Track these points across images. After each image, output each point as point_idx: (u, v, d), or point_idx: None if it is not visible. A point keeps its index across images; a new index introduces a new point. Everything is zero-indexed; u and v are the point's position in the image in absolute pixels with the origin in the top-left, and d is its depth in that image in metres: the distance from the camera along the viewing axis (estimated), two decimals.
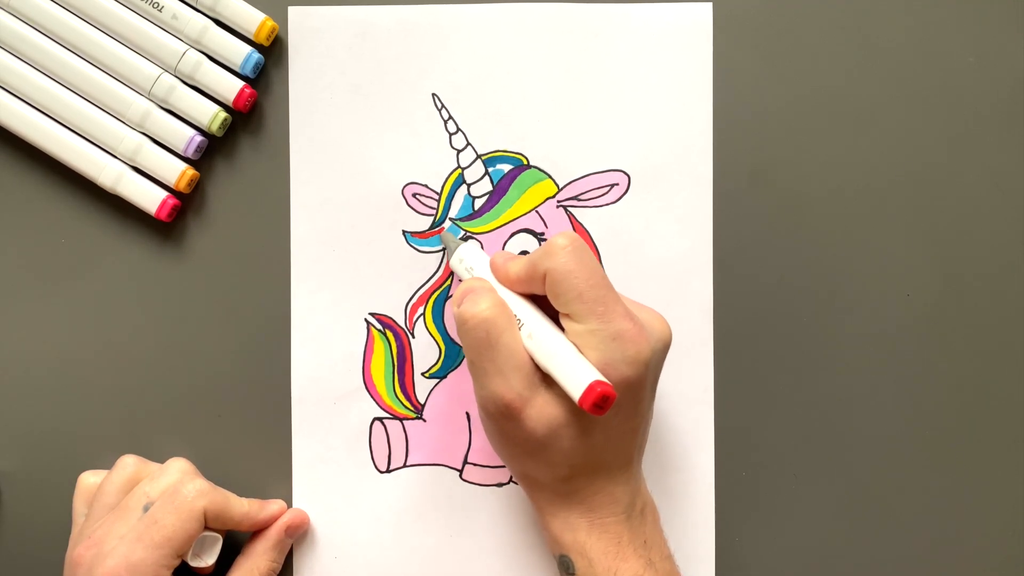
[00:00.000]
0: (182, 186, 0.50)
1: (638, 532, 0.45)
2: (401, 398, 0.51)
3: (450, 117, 0.51)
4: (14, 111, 0.50)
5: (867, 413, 0.51)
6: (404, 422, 0.51)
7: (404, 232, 0.51)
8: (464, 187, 0.51)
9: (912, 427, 0.51)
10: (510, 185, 0.51)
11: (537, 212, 0.51)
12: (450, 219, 0.51)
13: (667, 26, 0.51)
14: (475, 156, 0.51)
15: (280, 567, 0.50)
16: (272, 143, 0.51)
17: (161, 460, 0.50)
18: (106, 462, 0.50)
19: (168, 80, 0.50)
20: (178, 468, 0.48)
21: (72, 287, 0.51)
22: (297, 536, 0.50)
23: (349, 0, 0.51)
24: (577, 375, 0.41)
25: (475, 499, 0.51)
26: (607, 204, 0.51)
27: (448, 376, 0.51)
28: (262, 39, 0.50)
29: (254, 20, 0.50)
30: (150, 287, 0.51)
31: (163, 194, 0.50)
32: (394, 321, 0.51)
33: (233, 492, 0.49)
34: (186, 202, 0.51)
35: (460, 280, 0.48)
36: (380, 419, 0.51)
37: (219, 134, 0.50)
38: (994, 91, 0.51)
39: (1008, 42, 0.51)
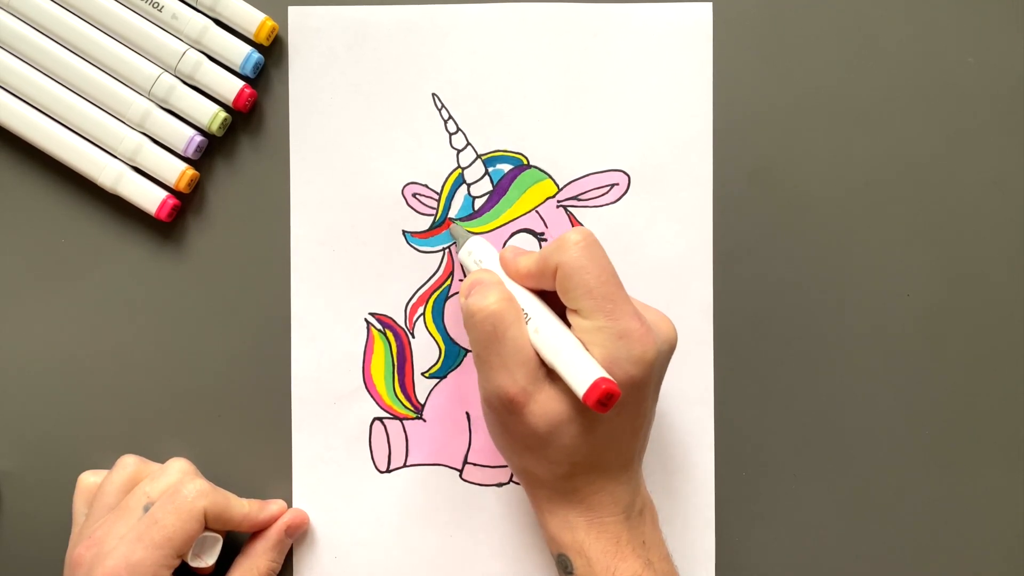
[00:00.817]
0: (182, 186, 0.50)
1: (637, 532, 0.45)
2: (401, 398, 0.51)
3: (450, 117, 0.51)
4: (14, 111, 0.50)
5: (867, 413, 0.51)
6: (404, 422, 0.51)
7: (404, 232, 0.51)
8: (464, 187, 0.51)
9: (912, 427, 0.51)
10: (510, 185, 0.51)
11: (537, 212, 0.51)
12: (450, 219, 0.51)
13: (667, 26, 0.51)
14: (475, 156, 0.51)
15: (280, 567, 0.50)
16: (272, 143, 0.51)
17: (161, 460, 0.50)
18: (106, 462, 0.50)
19: (168, 80, 0.50)
20: (178, 468, 0.48)
21: (72, 287, 0.51)
22: (297, 536, 0.50)
23: (349, 0, 0.51)
24: (582, 371, 0.41)
25: (475, 499, 0.51)
26: (607, 204, 0.51)
27: (448, 376, 0.51)
28: (262, 39, 0.50)
29: (254, 20, 0.50)
30: (150, 287, 0.51)
31: (163, 194, 0.50)
32: (394, 321, 0.51)
33: (233, 492, 0.49)
34: (186, 202, 0.51)
35: (468, 272, 0.48)
36: (380, 419, 0.51)
37: (219, 134, 0.50)
38: (994, 91, 0.51)
39: (1008, 42, 0.51)
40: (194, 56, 0.50)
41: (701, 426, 0.51)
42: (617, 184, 0.51)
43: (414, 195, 0.51)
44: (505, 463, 0.51)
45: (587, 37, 0.51)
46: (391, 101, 0.51)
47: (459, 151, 0.51)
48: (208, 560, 0.48)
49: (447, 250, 0.51)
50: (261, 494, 0.51)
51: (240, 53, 0.50)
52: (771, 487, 0.51)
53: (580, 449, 0.43)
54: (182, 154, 0.50)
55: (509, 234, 0.51)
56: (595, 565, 0.44)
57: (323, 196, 0.51)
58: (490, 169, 0.51)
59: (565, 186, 0.51)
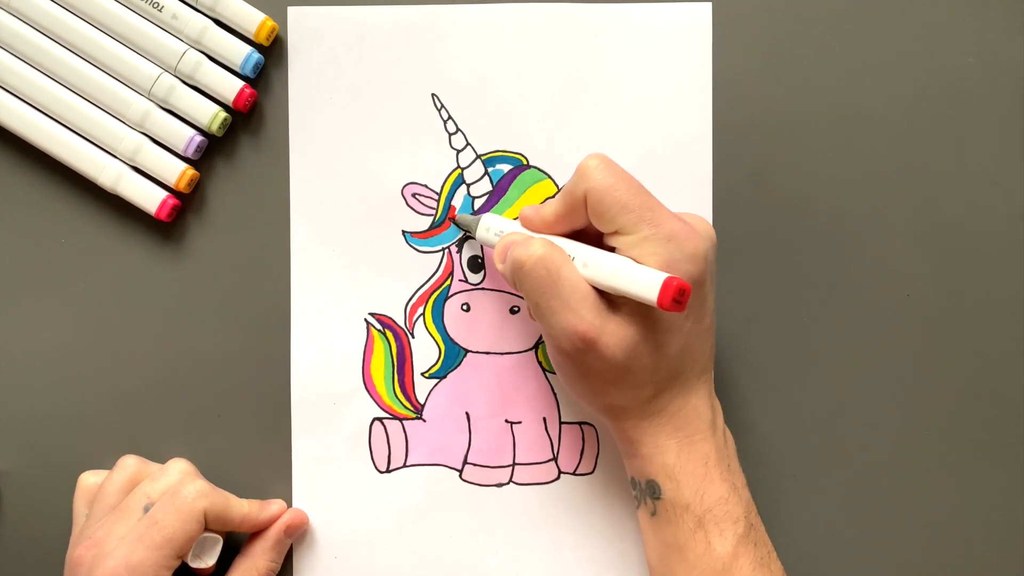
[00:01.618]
0: (182, 186, 0.50)
1: (723, 455, 0.45)
2: (401, 398, 0.51)
3: (450, 117, 0.51)
4: (14, 111, 0.50)
5: (867, 413, 0.51)
6: (404, 422, 0.51)
7: (404, 232, 0.51)
8: (464, 187, 0.51)
9: (912, 427, 0.51)
10: (510, 185, 0.51)
11: None
12: (451, 216, 0.51)
13: (667, 26, 0.51)
14: (475, 156, 0.51)
15: (279, 567, 0.50)
16: (272, 143, 0.51)
17: (161, 460, 0.50)
18: (106, 462, 0.50)
19: (168, 80, 0.50)
20: (179, 469, 0.48)
21: (72, 287, 0.51)
22: (296, 536, 0.50)
23: (349, 0, 0.51)
24: (647, 279, 0.42)
25: (475, 499, 0.51)
26: None
27: (448, 376, 0.51)
28: (262, 39, 0.50)
29: (254, 20, 0.50)
30: (150, 287, 0.51)
31: (163, 194, 0.50)
32: (394, 321, 0.51)
33: (233, 492, 0.49)
34: (186, 202, 0.51)
35: (491, 247, 0.48)
36: (380, 419, 0.51)
37: (219, 134, 0.50)
38: (994, 91, 0.51)
39: (1008, 42, 0.51)
40: (194, 56, 0.50)
41: None
42: None
43: (414, 195, 0.51)
44: (503, 465, 0.51)
45: (587, 37, 0.51)
46: (391, 101, 0.51)
47: (459, 151, 0.51)
48: (208, 561, 0.48)
49: (447, 250, 0.51)
50: (261, 494, 0.51)
51: (240, 53, 0.50)
52: (771, 487, 0.51)
53: (660, 365, 0.44)
54: (182, 154, 0.50)
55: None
56: (684, 488, 0.44)
57: (323, 196, 0.51)
58: (490, 169, 0.51)
59: None
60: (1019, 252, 0.51)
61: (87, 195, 0.51)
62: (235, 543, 0.50)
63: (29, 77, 0.50)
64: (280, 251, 0.51)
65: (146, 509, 0.46)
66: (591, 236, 0.45)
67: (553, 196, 0.51)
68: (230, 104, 0.50)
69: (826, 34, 0.51)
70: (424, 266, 0.51)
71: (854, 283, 0.51)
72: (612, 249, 0.44)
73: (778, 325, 0.51)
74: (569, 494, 0.51)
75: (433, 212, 0.51)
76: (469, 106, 0.51)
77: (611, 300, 0.44)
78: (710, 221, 0.51)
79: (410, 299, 0.51)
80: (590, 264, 0.44)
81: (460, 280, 0.51)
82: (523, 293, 0.45)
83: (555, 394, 0.51)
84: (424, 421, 0.51)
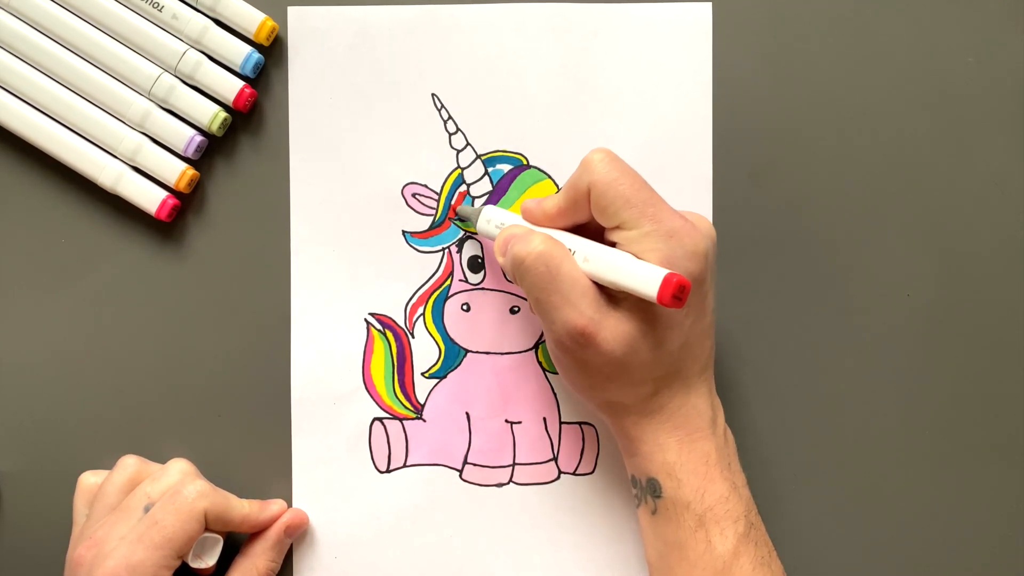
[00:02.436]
0: (182, 186, 0.50)
1: (723, 454, 0.45)
2: (401, 398, 0.51)
3: (450, 117, 0.51)
4: (14, 111, 0.50)
5: (867, 413, 0.51)
6: (404, 422, 0.51)
7: (404, 232, 0.51)
8: (464, 187, 0.51)
9: (912, 427, 0.51)
10: (510, 185, 0.51)
11: None
12: (449, 219, 0.51)
13: (667, 26, 0.51)
14: (475, 156, 0.51)
15: (279, 567, 0.50)
16: (272, 143, 0.51)
17: (162, 460, 0.50)
18: (106, 462, 0.50)
19: (168, 80, 0.50)
20: (179, 469, 0.48)
21: (72, 287, 0.51)
22: (296, 536, 0.50)
23: (349, 0, 0.51)
24: (647, 275, 0.42)
25: (475, 499, 0.51)
26: None
27: (448, 376, 0.51)
28: (262, 39, 0.50)
29: (254, 20, 0.50)
30: (150, 287, 0.51)
31: (163, 194, 0.50)
32: (394, 321, 0.51)
33: (233, 492, 0.49)
34: (186, 202, 0.51)
35: (492, 239, 0.48)
36: (380, 419, 0.51)
37: (219, 134, 0.50)
38: (994, 91, 0.51)
39: (1008, 42, 0.51)
40: (194, 56, 0.50)
41: None
42: None
43: (414, 195, 0.51)
44: (503, 465, 0.51)
45: (587, 37, 0.51)
46: (391, 101, 0.51)
47: (459, 151, 0.51)
48: (208, 561, 0.48)
49: (447, 250, 0.51)
50: (261, 494, 0.51)
51: (240, 53, 0.50)
52: (771, 487, 0.51)
53: (659, 362, 0.44)
54: (182, 154, 0.50)
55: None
56: (684, 487, 0.44)
57: (323, 196, 0.51)
58: (490, 169, 0.51)
59: None
60: (1019, 252, 0.51)
61: (87, 195, 0.51)
62: (235, 543, 0.50)
63: (29, 77, 0.50)
64: (280, 251, 0.51)
65: (146, 509, 0.46)
66: (592, 231, 0.45)
67: None
68: (230, 104, 0.50)
69: (826, 34, 0.51)
70: (424, 266, 0.51)
71: (854, 283, 0.51)
72: (613, 244, 0.44)
73: (778, 325, 0.51)
74: (569, 494, 0.51)
75: (433, 212, 0.51)
76: (469, 106, 0.51)
77: (611, 295, 0.44)
78: (710, 220, 0.51)
79: (410, 299, 0.51)
80: (590, 258, 0.44)
81: (460, 280, 0.51)
82: (523, 288, 0.45)
83: (555, 394, 0.51)
84: (424, 421, 0.51)
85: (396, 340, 0.51)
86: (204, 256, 0.51)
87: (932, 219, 0.51)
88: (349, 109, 0.51)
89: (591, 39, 0.51)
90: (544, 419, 0.51)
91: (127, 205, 0.51)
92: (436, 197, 0.51)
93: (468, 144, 0.51)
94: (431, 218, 0.51)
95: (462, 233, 0.51)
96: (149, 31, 0.50)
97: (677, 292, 0.41)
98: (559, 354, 0.45)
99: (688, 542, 0.44)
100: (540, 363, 0.51)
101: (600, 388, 0.45)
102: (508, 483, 0.51)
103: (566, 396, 0.51)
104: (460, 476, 0.51)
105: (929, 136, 0.51)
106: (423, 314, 0.51)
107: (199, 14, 0.50)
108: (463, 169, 0.51)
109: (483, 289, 0.51)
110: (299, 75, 0.51)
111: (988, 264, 0.51)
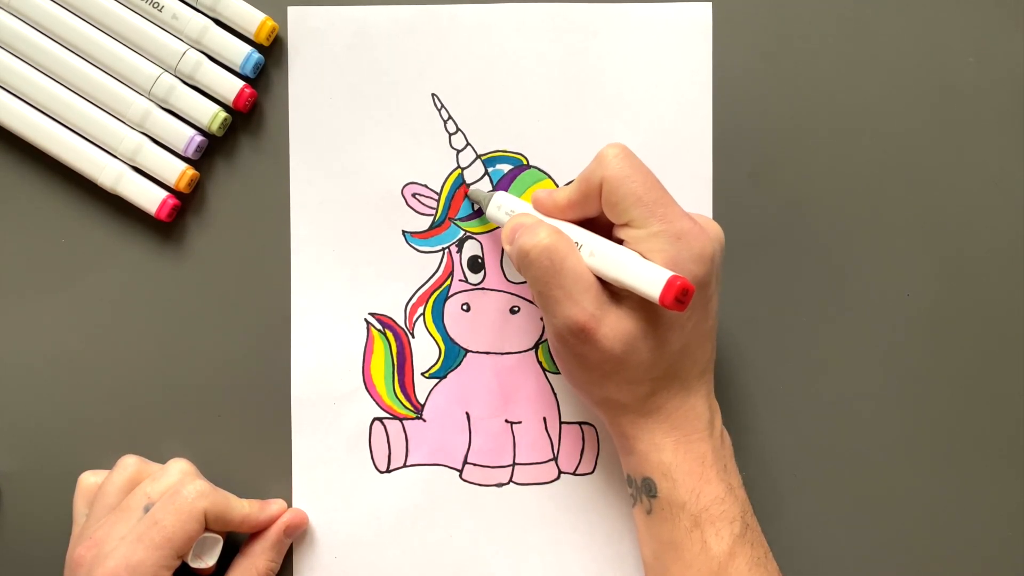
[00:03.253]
0: (182, 186, 0.50)
1: (719, 455, 0.45)
2: (401, 398, 0.51)
3: (450, 117, 0.51)
4: (14, 111, 0.50)
5: (867, 413, 0.51)
6: (404, 422, 0.51)
7: (404, 232, 0.51)
8: (464, 187, 0.51)
9: (912, 427, 0.51)
10: (510, 185, 0.51)
11: None
12: (449, 218, 0.51)
13: (667, 26, 0.51)
14: (475, 156, 0.51)
15: (278, 567, 0.50)
16: (272, 143, 0.51)
17: (162, 460, 0.50)
18: (106, 462, 0.50)
19: (168, 80, 0.50)
20: (179, 469, 0.48)
21: (72, 287, 0.51)
22: (296, 536, 0.50)
23: (349, 0, 0.51)
24: (651, 275, 0.41)
25: (475, 499, 0.51)
26: None
27: (448, 376, 0.51)
28: (262, 39, 0.50)
29: (254, 20, 0.50)
30: (150, 287, 0.51)
31: (163, 194, 0.50)
32: (394, 321, 0.51)
33: (233, 492, 0.49)
34: (186, 202, 0.51)
35: (501, 226, 0.48)
36: (380, 419, 0.51)
37: (219, 134, 0.50)
38: (994, 91, 0.51)
39: (1008, 42, 0.51)
40: (194, 56, 0.50)
41: None
42: None
43: (414, 195, 0.51)
44: (503, 465, 0.51)
45: (587, 37, 0.51)
46: (391, 101, 0.51)
47: (459, 151, 0.51)
48: (208, 561, 0.48)
49: (447, 250, 0.51)
50: (261, 494, 0.51)
51: (240, 53, 0.50)
52: (771, 487, 0.51)
53: (658, 363, 0.44)
54: (182, 154, 0.50)
55: None
56: (680, 487, 0.44)
57: (323, 196, 0.51)
58: (490, 169, 0.51)
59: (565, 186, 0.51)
60: (1019, 252, 0.51)
61: (87, 195, 0.51)
62: (235, 543, 0.50)
63: (29, 77, 0.50)
64: (280, 251, 0.51)
65: (146, 509, 0.46)
66: (602, 226, 0.45)
67: None
68: (230, 104, 0.50)
69: (826, 34, 0.51)
70: (424, 266, 0.51)
71: (854, 283, 0.51)
72: (621, 241, 0.44)
73: (778, 325, 0.51)
74: (569, 494, 0.51)
75: (433, 212, 0.51)
76: (469, 106, 0.51)
77: (614, 292, 0.44)
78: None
79: (410, 299, 0.51)
80: (596, 253, 0.44)
81: (460, 280, 0.51)
82: (527, 280, 0.45)
83: (555, 394, 0.51)
84: (424, 421, 0.51)
85: (396, 340, 0.51)
86: (204, 256, 0.51)
87: (932, 219, 0.51)
88: (349, 109, 0.51)
89: (591, 39, 0.51)
90: (544, 419, 0.51)
91: (127, 205, 0.51)
92: (436, 197, 0.51)
93: (468, 144, 0.51)
94: (431, 218, 0.51)
95: (462, 233, 0.51)
96: (149, 31, 0.50)
97: (680, 295, 0.41)
98: (559, 348, 0.46)
99: (684, 542, 0.44)
100: (540, 363, 0.51)
101: (598, 384, 0.45)
102: (508, 483, 0.51)
103: (566, 396, 0.51)
104: (460, 476, 0.51)
105: (929, 136, 0.51)
106: (423, 314, 0.51)
107: (199, 14, 0.50)
108: (463, 169, 0.51)
109: (483, 289, 0.51)
110: (299, 75, 0.51)
111: (988, 264, 0.51)
